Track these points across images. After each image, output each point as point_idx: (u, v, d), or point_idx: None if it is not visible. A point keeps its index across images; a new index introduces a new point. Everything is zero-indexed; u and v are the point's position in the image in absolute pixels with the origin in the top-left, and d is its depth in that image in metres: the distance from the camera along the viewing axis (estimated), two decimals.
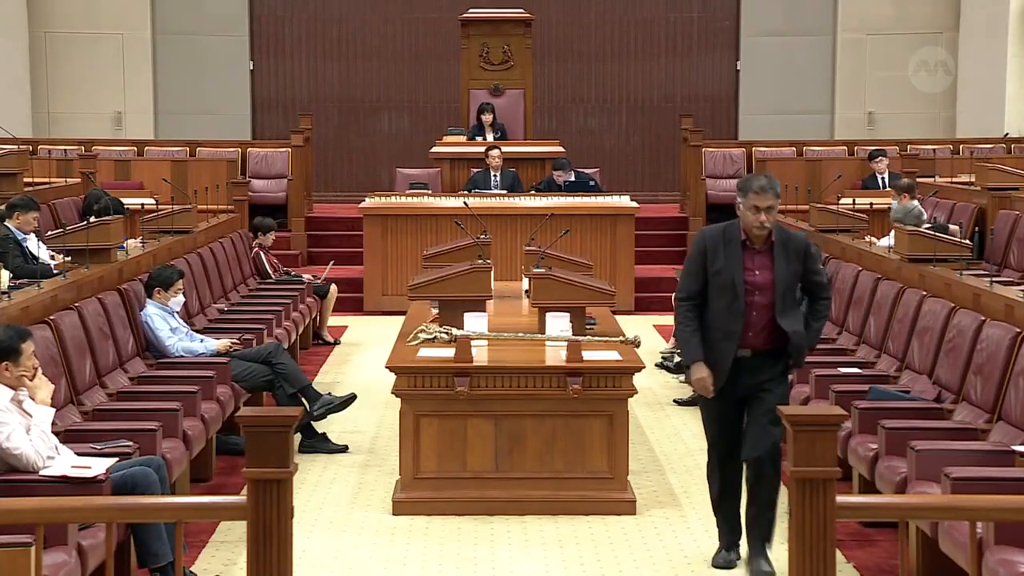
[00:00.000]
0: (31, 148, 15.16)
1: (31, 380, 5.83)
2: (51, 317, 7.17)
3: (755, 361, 6.13)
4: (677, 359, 10.48)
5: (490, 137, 15.93)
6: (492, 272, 8.26)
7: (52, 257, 9.68)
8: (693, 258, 6.19)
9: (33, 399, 5.82)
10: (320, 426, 8.70)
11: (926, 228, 9.80)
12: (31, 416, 5.75)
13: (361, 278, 13.88)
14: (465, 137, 16.21)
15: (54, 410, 5.83)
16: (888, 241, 10.14)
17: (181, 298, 8.65)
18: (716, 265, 6.08)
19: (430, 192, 14.91)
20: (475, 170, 15.08)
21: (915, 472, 6.12)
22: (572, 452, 7.17)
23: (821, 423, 3.89)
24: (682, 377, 10.45)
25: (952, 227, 10.91)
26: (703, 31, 20.57)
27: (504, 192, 14.66)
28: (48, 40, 19.53)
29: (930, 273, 8.41)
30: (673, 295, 11.50)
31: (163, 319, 8.49)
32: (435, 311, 8.33)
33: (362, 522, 7.10)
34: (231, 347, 8.63)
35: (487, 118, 16.02)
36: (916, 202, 11.77)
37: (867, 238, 10.95)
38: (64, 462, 5.73)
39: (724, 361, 6.12)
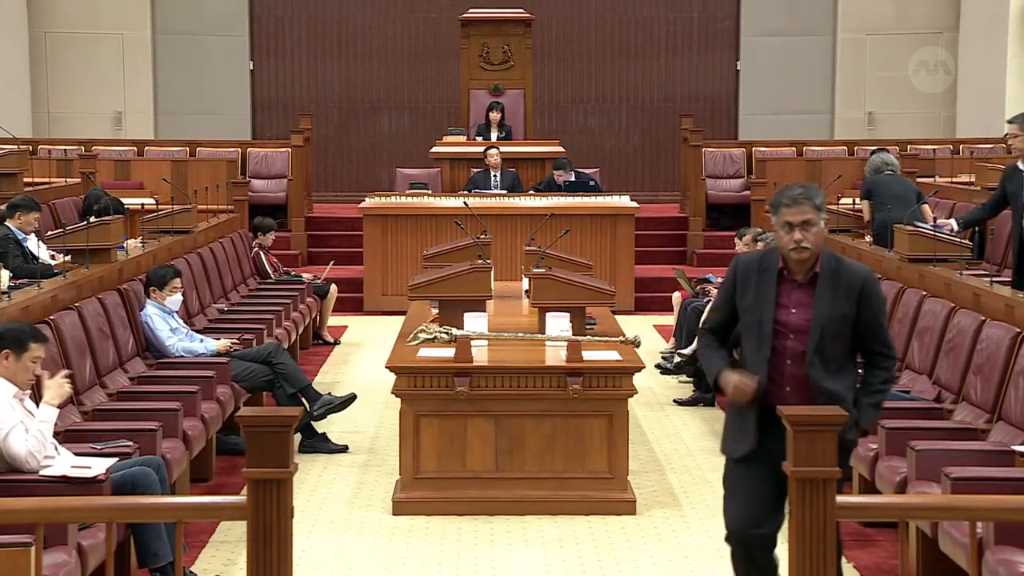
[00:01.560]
0: (31, 148, 15.14)
1: (33, 378, 5.84)
2: (51, 317, 7.17)
3: None
4: (677, 359, 10.48)
5: (494, 136, 15.92)
6: (492, 272, 8.26)
7: (52, 257, 9.68)
8: (722, 289, 5.16)
9: (39, 397, 5.82)
10: (320, 426, 8.70)
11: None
12: (32, 415, 5.77)
13: (361, 278, 13.88)
14: (465, 137, 16.20)
15: (57, 411, 5.82)
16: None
17: (178, 296, 8.63)
18: (746, 300, 4.99)
19: (430, 192, 14.91)
20: (475, 170, 15.09)
21: (915, 472, 6.12)
22: (572, 452, 7.17)
23: (821, 423, 3.89)
24: (682, 377, 10.46)
25: (943, 221, 10.96)
26: (703, 31, 20.56)
27: (504, 192, 14.66)
28: (48, 40, 19.52)
29: (930, 273, 8.41)
30: (673, 294, 11.64)
31: (163, 319, 8.49)
32: (435, 311, 8.33)
33: (362, 522, 7.10)
34: (231, 347, 8.63)
35: (495, 116, 16.01)
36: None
37: (867, 238, 10.96)
38: (64, 462, 5.74)
39: (747, 416, 4.97)
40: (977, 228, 11.73)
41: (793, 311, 4.91)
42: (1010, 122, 8.84)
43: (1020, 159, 8.78)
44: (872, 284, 4.95)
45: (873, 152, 12.09)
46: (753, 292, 4.96)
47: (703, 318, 5.28)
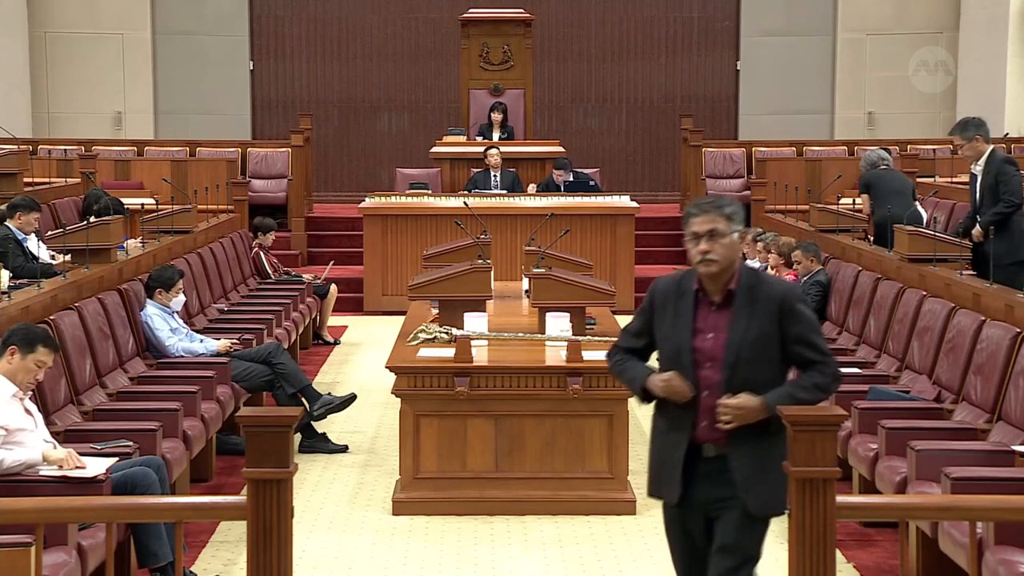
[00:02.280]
0: (31, 148, 15.15)
1: (33, 382, 5.84)
2: (51, 317, 7.17)
3: (719, 463, 4.42)
4: None
5: (496, 136, 15.92)
6: (492, 272, 8.26)
7: (52, 257, 9.68)
8: (638, 315, 4.63)
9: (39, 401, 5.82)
10: (320, 426, 8.70)
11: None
12: (31, 415, 5.77)
13: (361, 278, 13.88)
14: (465, 137, 16.20)
15: (40, 460, 5.70)
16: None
17: (182, 298, 8.66)
18: (664, 327, 4.49)
19: (430, 192, 14.91)
20: (475, 170, 15.09)
21: (915, 472, 6.12)
22: (572, 452, 7.17)
23: (821, 423, 3.89)
24: None
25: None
26: (703, 31, 20.56)
27: (504, 192, 14.67)
28: (48, 40, 19.52)
29: (930, 273, 8.41)
30: None
31: (163, 319, 8.49)
32: (435, 311, 8.33)
33: (362, 522, 7.10)
34: (231, 348, 8.63)
35: (496, 117, 16.00)
36: (917, 203, 11.80)
37: (870, 237, 10.97)
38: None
39: (673, 460, 4.47)
40: None
41: (709, 336, 4.42)
42: (950, 134, 8.97)
43: (972, 164, 8.89)
44: (793, 301, 4.44)
45: (868, 149, 12.15)
46: (671, 318, 4.47)
47: (616, 341, 4.74)
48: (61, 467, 5.62)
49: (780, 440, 4.16)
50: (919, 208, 11.22)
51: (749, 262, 11.18)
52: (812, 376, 4.44)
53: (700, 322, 4.44)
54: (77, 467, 5.65)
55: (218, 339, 8.74)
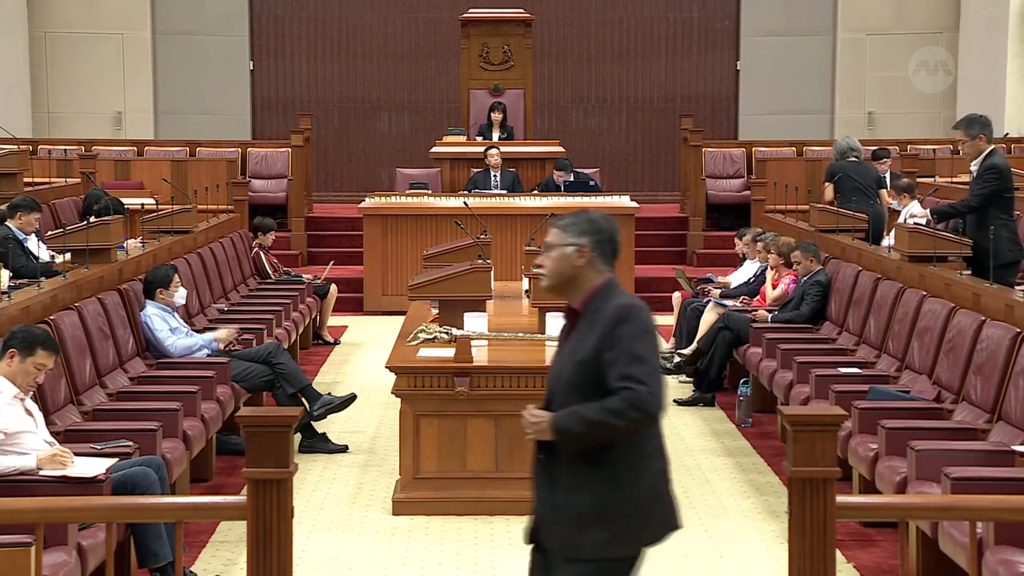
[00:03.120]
0: (31, 148, 15.15)
1: (33, 384, 5.83)
2: (51, 317, 7.17)
3: (554, 495, 4.00)
4: (677, 359, 10.49)
5: (496, 136, 15.93)
6: (492, 272, 8.26)
7: (52, 257, 9.68)
8: None
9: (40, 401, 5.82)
10: (320, 426, 8.70)
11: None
12: (31, 415, 5.77)
13: (361, 278, 13.89)
14: (465, 137, 16.21)
15: (33, 466, 5.68)
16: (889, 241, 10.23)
17: (183, 291, 8.70)
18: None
19: (430, 192, 14.92)
20: (475, 170, 15.10)
21: (915, 472, 6.12)
22: None
23: (821, 423, 3.89)
24: (682, 377, 10.46)
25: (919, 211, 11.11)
26: (703, 31, 20.57)
27: (504, 192, 14.67)
28: (48, 40, 19.53)
29: (930, 273, 8.41)
30: (673, 294, 11.66)
31: (163, 319, 8.49)
32: (435, 311, 8.34)
33: (362, 522, 7.10)
34: (231, 337, 8.63)
35: (497, 116, 16.01)
36: (916, 202, 11.82)
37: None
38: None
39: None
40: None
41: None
42: (955, 128, 8.88)
43: (971, 162, 8.82)
44: (617, 323, 3.92)
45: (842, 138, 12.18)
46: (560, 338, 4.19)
47: None
48: (54, 463, 5.60)
49: (593, 476, 3.94)
50: (884, 198, 11.36)
51: (748, 263, 11.19)
52: (611, 400, 3.89)
53: (565, 342, 4.12)
54: (63, 458, 5.61)
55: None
